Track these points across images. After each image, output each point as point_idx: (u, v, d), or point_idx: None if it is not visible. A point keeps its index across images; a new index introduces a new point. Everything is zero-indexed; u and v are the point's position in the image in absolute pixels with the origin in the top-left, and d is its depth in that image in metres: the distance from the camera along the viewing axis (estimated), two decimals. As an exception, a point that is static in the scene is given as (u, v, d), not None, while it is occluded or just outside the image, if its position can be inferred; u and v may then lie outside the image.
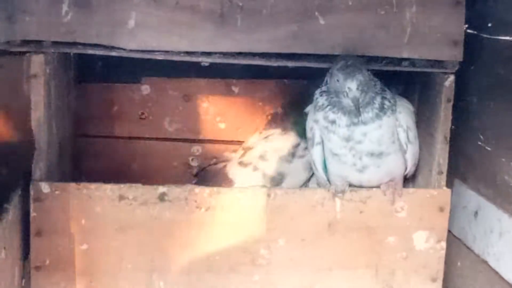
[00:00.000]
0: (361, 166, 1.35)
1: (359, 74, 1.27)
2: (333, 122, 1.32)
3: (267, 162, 1.57)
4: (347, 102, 1.29)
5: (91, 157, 1.69)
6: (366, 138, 1.32)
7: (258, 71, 1.58)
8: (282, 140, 1.59)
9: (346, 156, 1.34)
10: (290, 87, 1.73)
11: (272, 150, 1.58)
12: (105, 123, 1.69)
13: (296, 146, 1.56)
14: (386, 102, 1.33)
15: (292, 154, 1.57)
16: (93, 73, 1.67)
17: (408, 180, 1.50)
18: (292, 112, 1.63)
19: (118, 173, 1.62)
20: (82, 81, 1.64)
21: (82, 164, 1.67)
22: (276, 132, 1.62)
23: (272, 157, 1.57)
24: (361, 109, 1.28)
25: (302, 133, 1.51)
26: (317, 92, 1.36)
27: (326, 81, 1.34)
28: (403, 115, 1.36)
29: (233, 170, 1.59)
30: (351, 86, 1.27)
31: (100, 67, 1.67)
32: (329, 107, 1.32)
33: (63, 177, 1.44)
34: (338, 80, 1.28)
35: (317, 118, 1.34)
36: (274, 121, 1.68)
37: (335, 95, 1.31)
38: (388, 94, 1.34)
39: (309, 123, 1.39)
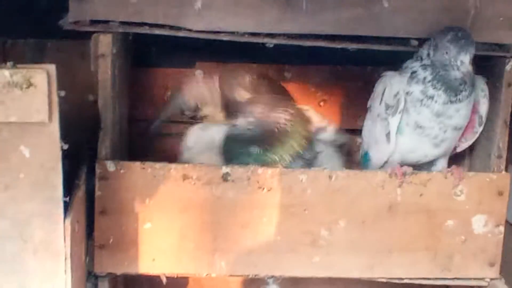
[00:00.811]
0: (440, 140, 1.36)
1: (472, 48, 1.27)
2: (430, 97, 1.31)
3: None
4: (455, 75, 1.29)
5: (145, 141, 1.70)
6: (458, 113, 1.33)
7: (311, 56, 1.58)
8: None
9: (432, 129, 1.34)
10: (344, 73, 1.73)
11: None
12: (159, 107, 1.69)
13: None
14: (473, 78, 1.34)
15: None
16: (147, 57, 1.68)
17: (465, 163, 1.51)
18: None
19: (172, 157, 1.63)
20: (136, 65, 1.65)
21: (136, 148, 1.68)
22: None
23: None
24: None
25: None
26: (416, 65, 1.34)
27: (428, 54, 1.32)
28: (485, 86, 1.39)
29: None
30: (464, 59, 1.27)
31: (154, 51, 1.68)
32: (431, 82, 1.31)
33: (123, 158, 1.46)
34: (447, 53, 1.28)
35: (411, 90, 1.33)
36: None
37: (441, 68, 1.30)
38: None
39: (394, 89, 1.36)
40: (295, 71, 1.73)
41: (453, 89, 1.31)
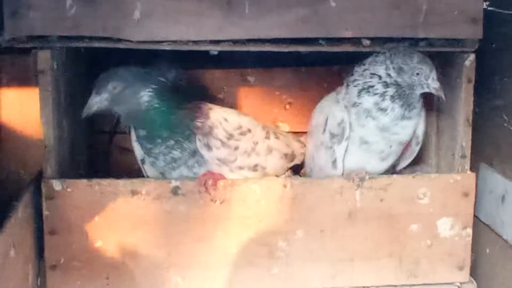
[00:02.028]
0: (386, 154, 1.34)
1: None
2: (383, 110, 1.29)
3: None
4: (418, 95, 1.31)
5: (109, 154, 1.67)
6: (404, 131, 1.32)
7: (274, 59, 1.54)
8: None
9: (377, 144, 1.32)
10: (308, 74, 1.68)
11: None
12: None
13: None
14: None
15: None
16: (106, 67, 1.64)
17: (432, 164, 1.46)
18: None
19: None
20: (95, 76, 1.61)
21: (100, 161, 1.65)
22: None
23: None
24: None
25: None
26: (374, 81, 1.31)
27: (388, 74, 1.30)
28: (423, 107, 1.36)
29: None
30: (435, 76, 1.29)
31: (113, 60, 1.64)
32: (390, 97, 1.29)
33: (77, 174, 1.42)
34: (418, 74, 1.29)
35: (360, 101, 1.31)
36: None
37: (407, 88, 1.29)
38: None
39: (338, 117, 1.33)
40: (258, 74, 1.69)
41: (409, 105, 1.30)
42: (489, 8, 1.33)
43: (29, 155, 1.48)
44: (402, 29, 1.29)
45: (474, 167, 1.39)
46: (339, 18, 1.28)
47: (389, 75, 1.30)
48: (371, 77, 1.31)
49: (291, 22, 1.27)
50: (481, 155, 1.44)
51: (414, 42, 1.32)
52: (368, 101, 1.30)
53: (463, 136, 1.35)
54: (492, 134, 1.42)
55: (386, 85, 1.30)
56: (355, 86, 1.32)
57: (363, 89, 1.31)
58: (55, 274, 1.30)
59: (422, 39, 1.32)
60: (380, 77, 1.31)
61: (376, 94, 1.30)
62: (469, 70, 1.33)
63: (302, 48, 1.30)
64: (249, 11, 1.26)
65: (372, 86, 1.30)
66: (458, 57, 1.34)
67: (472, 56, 1.32)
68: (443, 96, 1.31)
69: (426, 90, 1.30)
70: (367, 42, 1.31)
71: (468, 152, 1.36)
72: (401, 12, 1.28)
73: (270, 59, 1.56)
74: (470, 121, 1.35)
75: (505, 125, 1.37)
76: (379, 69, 1.31)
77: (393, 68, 1.30)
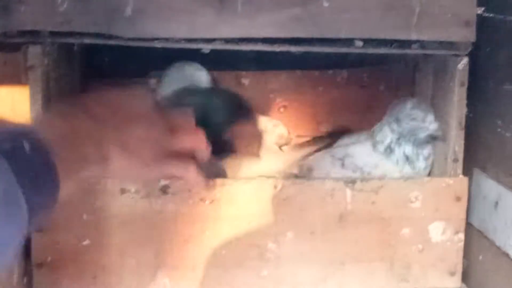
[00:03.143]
0: None
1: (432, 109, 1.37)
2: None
3: None
4: (425, 136, 1.36)
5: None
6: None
7: (269, 62, 1.53)
8: None
9: None
10: (304, 77, 1.68)
11: None
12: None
13: None
14: None
15: None
16: (101, 68, 1.64)
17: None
18: None
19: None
20: (90, 76, 1.61)
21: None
22: None
23: None
24: None
25: None
26: (389, 143, 1.38)
27: (392, 130, 1.37)
28: None
29: None
30: (431, 118, 1.33)
31: (107, 61, 1.64)
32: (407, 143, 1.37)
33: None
34: (415, 119, 1.33)
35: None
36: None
37: (410, 134, 1.36)
38: None
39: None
40: (253, 77, 1.68)
41: (416, 146, 1.37)
42: (483, 14, 1.33)
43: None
44: (395, 31, 1.28)
45: (467, 172, 1.37)
46: (331, 19, 1.27)
47: (393, 129, 1.37)
48: (391, 152, 1.38)
49: (284, 22, 1.26)
50: (474, 160, 1.42)
51: (407, 44, 1.31)
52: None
53: (456, 140, 1.34)
54: (485, 139, 1.41)
55: (399, 142, 1.37)
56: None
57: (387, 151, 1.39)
58: (41, 273, 1.28)
59: (415, 42, 1.30)
60: (391, 140, 1.38)
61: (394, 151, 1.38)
62: (462, 74, 1.31)
63: (294, 48, 1.29)
64: (242, 10, 1.25)
65: (402, 153, 1.38)
66: (451, 60, 1.32)
67: (465, 60, 1.31)
68: (441, 136, 1.35)
69: (427, 132, 1.35)
70: (360, 43, 1.29)
71: (460, 156, 1.35)
72: (394, 14, 1.27)
73: (265, 62, 1.56)
74: (463, 125, 1.33)
75: (499, 130, 1.35)
76: (385, 128, 1.39)
77: (393, 121, 1.36)
